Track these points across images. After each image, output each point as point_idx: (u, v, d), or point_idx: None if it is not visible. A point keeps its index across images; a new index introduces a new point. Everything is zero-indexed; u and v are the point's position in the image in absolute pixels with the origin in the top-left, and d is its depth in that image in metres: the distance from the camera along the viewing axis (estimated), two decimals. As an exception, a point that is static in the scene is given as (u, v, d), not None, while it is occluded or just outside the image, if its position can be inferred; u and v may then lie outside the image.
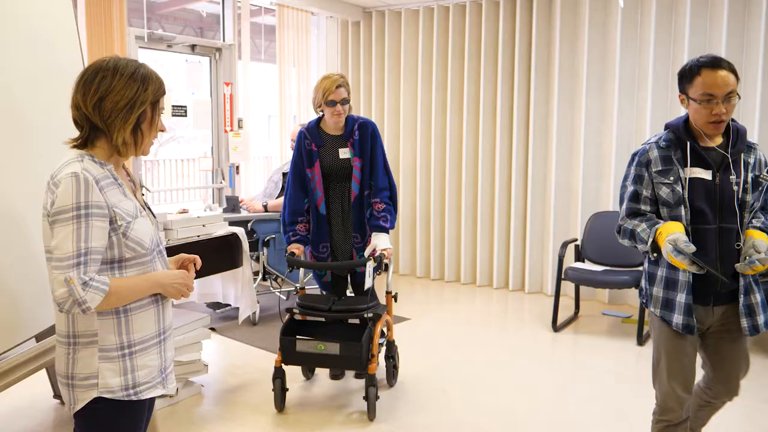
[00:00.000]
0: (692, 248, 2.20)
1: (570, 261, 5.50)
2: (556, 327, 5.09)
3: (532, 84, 6.01)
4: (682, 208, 2.34)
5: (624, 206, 2.49)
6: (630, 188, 2.48)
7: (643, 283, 2.54)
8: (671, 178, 2.36)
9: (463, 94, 6.41)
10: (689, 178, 2.35)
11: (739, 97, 2.33)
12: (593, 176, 5.88)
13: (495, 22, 6.20)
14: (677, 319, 2.38)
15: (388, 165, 3.83)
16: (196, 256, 2.03)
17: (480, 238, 6.42)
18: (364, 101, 7.01)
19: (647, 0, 5.48)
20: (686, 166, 2.36)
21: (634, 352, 4.65)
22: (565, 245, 5.29)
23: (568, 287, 5.83)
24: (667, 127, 2.49)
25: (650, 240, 2.32)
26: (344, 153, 3.75)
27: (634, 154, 2.51)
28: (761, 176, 2.40)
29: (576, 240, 5.55)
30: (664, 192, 2.38)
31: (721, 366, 2.51)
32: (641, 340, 4.79)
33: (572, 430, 3.45)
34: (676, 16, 5.42)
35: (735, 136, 2.39)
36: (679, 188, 2.34)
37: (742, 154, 2.39)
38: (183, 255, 2.03)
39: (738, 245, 2.33)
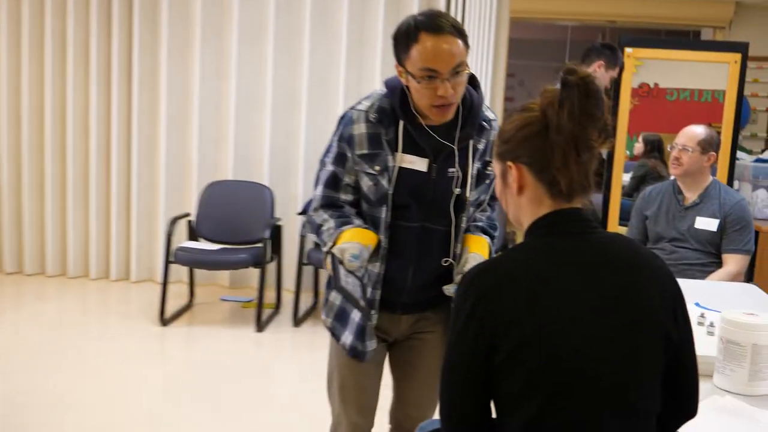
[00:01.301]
0: (354, 266, 1.95)
1: (184, 240, 5.39)
2: (164, 320, 4.90)
3: (135, 30, 5.67)
4: (384, 208, 2.06)
5: (318, 192, 2.14)
6: (328, 169, 2.12)
7: None
8: (377, 168, 2.04)
9: (45, 35, 5.75)
10: (399, 168, 2.05)
11: (470, 71, 1.99)
12: (210, 141, 5.77)
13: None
14: (346, 338, 2.15)
15: None
16: None
17: (71, 218, 5.92)
18: None
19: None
20: (397, 151, 2.04)
21: (253, 340, 4.75)
22: (174, 221, 5.11)
23: (183, 272, 5.71)
24: (386, 86, 2.09)
25: (329, 245, 2.03)
26: None
27: (341, 119, 2.12)
28: (488, 168, 2.13)
29: (189, 215, 5.43)
30: (365, 184, 2.07)
31: (411, 381, 2.30)
32: (261, 326, 4.86)
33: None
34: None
35: (466, 115, 2.06)
36: (384, 182, 2.04)
37: (472, 140, 2.08)
38: None
39: (446, 262, 2.12)
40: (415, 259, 2.12)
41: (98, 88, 5.83)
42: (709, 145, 3.57)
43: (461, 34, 1.93)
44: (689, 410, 1.51)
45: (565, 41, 10.46)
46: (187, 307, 5.34)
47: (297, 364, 4.44)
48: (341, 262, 1.94)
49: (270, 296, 5.30)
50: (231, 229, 5.29)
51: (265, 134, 5.71)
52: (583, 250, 1.42)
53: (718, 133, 4.23)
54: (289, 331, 4.94)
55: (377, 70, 5.53)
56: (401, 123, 2.04)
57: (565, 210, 1.44)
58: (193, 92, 5.76)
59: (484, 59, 5.46)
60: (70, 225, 5.96)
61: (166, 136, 5.79)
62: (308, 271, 5.35)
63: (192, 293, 5.46)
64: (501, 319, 1.36)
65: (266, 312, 5.06)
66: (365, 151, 2.06)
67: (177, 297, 5.37)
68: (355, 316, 2.13)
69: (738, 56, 4.69)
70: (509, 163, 1.47)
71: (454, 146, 2.05)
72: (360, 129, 2.06)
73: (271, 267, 5.27)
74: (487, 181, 2.15)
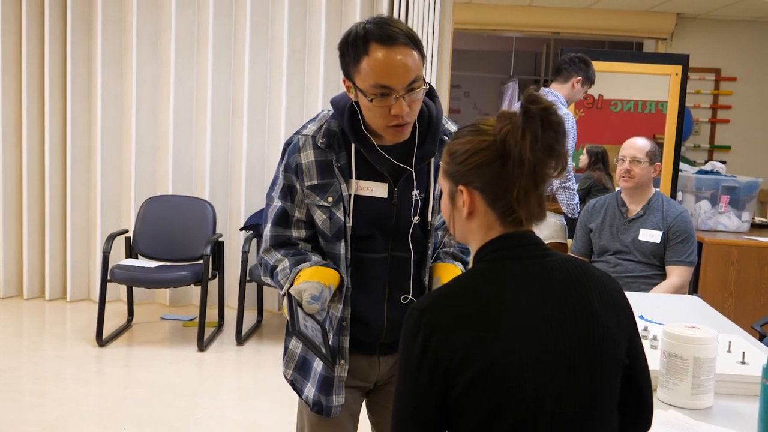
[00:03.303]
0: (314, 308, 1.76)
1: (121, 257, 5.31)
2: (102, 340, 4.80)
3: (69, 36, 5.57)
4: (342, 243, 1.91)
5: (267, 231, 1.98)
6: (276, 204, 1.96)
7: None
8: (330, 199, 1.89)
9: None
10: (355, 196, 1.90)
11: (428, 85, 1.85)
12: (148, 153, 5.69)
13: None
14: (308, 391, 1.98)
15: None
16: None
17: (3, 235, 5.77)
18: None
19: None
20: (351, 178, 1.89)
21: (196, 360, 4.67)
22: (111, 238, 5.02)
23: (121, 290, 5.62)
24: (333, 106, 1.93)
25: (287, 287, 1.86)
26: None
27: (286, 146, 1.96)
28: None
29: (127, 231, 5.35)
30: (319, 218, 1.91)
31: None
32: (203, 345, 4.79)
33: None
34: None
35: (425, 130, 1.91)
36: (340, 214, 1.89)
37: (433, 158, 1.93)
38: None
39: (405, 299, 1.96)
40: (389, 293, 1.95)
41: (30, 97, 5.71)
42: (655, 156, 3.67)
43: (416, 43, 1.78)
44: (646, 424, 1.53)
45: (510, 52, 10.61)
46: (126, 327, 5.24)
47: (241, 384, 4.39)
48: (299, 305, 1.76)
49: (212, 314, 5.24)
50: (171, 245, 5.21)
51: (206, 146, 5.65)
52: (535, 276, 1.38)
53: (660, 144, 4.33)
54: (232, 350, 4.87)
55: (320, 80, 5.52)
56: (353, 146, 1.89)
57: (516, 233, 1.41)
58: (130, 102, 5.68)
59: (429, 70, 5.50)
60: (2, 242, 5.81)
61: (101, 147, 5.70)
62: (251, 287, 5.30)
63: (131, 312, 5.35)
64: (456, 354, 1.31)
65: (208, 330, 4.98)
66: (315, 182, 1.90)
67: (115, 316, 5.28)
68: (318, 366, 1.96)
69: (678, 68, 4.82)
70: (460, 187, 1.42)
71: (412, 168, 1.90)
72: (308, 157, 1.90)
73: (213, 284, 5.20)
74: None
